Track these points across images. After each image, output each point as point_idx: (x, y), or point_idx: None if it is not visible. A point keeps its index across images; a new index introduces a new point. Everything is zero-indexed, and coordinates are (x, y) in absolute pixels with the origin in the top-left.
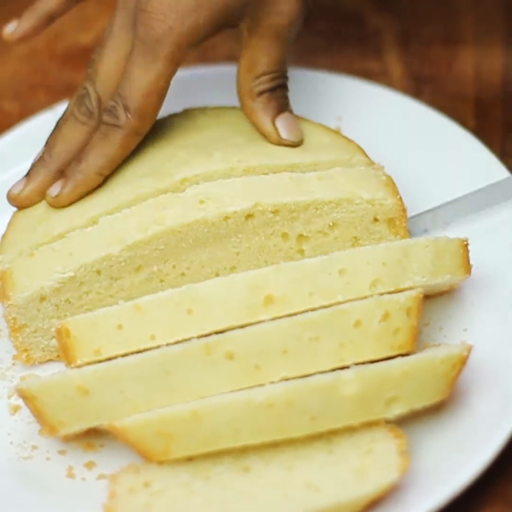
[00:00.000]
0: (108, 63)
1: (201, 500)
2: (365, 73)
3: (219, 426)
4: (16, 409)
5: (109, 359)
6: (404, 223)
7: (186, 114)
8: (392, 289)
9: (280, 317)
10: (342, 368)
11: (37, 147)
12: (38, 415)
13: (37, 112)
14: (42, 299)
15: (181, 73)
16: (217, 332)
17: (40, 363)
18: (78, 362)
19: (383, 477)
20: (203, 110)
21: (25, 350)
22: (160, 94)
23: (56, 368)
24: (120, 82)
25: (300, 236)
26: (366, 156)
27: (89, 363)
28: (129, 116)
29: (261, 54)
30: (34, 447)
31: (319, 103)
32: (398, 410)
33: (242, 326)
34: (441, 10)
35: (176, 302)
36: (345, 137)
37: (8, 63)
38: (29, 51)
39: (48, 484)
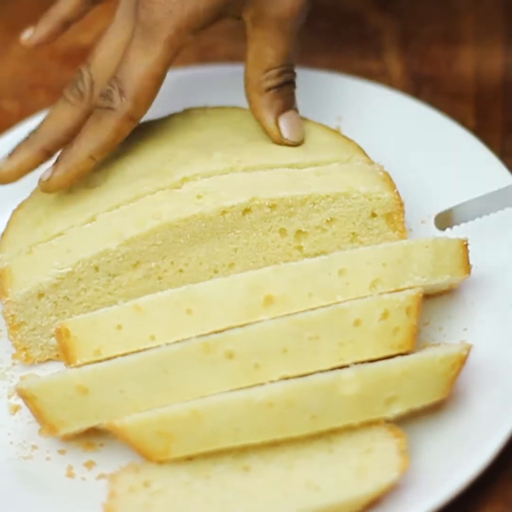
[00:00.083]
0: (107, 49)
1: (201, 499)
2: (365, 73)
3: (219, 425)
4: (16, 409)
5: (109, 359)
6: (402, 218)
7: (186, 114)
8: (392, 289)
9: (280, 317)
10: (342, 367)
11: None
12: (38, 414)
13: (37, 112)
14: (40, 295)
15: (181, 73)
16: (217, 332)
17: (40, 362)
18: (78, 362)
19: (383, 476)
20: (203, 110)
21: (24, 348)
22: (157, 79)
23: (55, 368)
24: (118, 67)
25: (298, 232)
26: (366, 155)
27: (89, 363)
28: (123, 99)
29: (267, 46)
30: (34, 447)
31: (319, 103)
32: (397, 409)
33: (242, 326)
34: (441, 10)
35: (175, 302)
36: (345, 137)
37: (8, 63)
38: (29, 51)
39: (48, 484)
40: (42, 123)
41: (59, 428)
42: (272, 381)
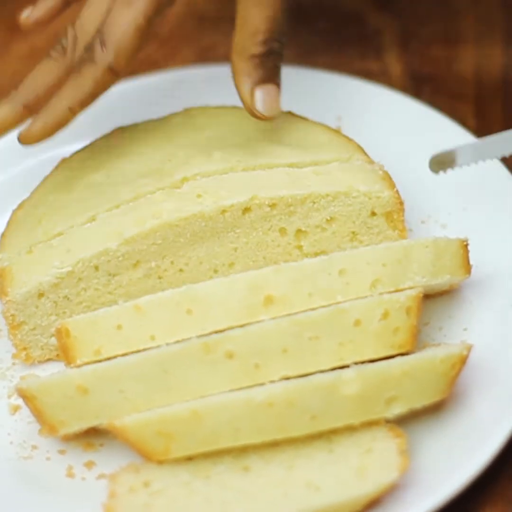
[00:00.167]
0: (94, 8)
1: (201, 499)
2: (365, 73)
3: (219, 425)
4: (16, 409)
5: (109, 359)
6: (401, 217)
7: (186, 114)
8: (392, 289)
9: (280, 317)
10: (342, 367)
11: (37, 147)
12: (38, 414)
13: None
14: (40, 295)
15: (181, 73)
16: (217, 332)
17: (40, 362)
18: (78, 362)
19: (383, 476)
20: (203, 110)
21: (24, 348)
22: (139, 30)
23: (55, 368)
24: (101, 22)
25: (298, 231)
26: (366, 155)
27: (89, 363)
28: (105, 50)
29: (255, 8)
30: (34, 447)
31: (319, 103)
32: (398, 409)
33: (242, 326)
34: (441, 10)
35: (176, 302)
36: (345, 136)
37: (8, 63)
38: (29, 51)
39: (48, 484)
40: (24, 80)
41: (59, 428)
42: (272, 381)
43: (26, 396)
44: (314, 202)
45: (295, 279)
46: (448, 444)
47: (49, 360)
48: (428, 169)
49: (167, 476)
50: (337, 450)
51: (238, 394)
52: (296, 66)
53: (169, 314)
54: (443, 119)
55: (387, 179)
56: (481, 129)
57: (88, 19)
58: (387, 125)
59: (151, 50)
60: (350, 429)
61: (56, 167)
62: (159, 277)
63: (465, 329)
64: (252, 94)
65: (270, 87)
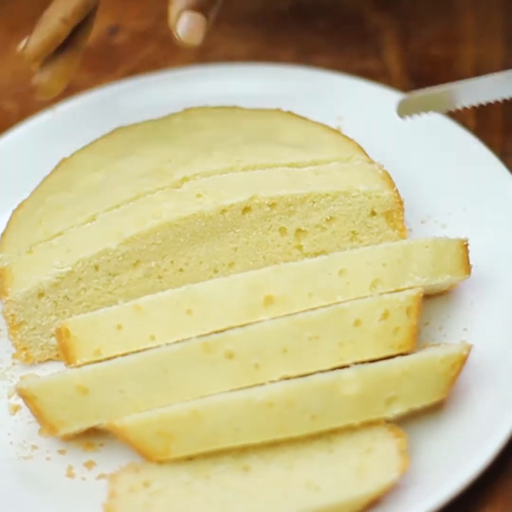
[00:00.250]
0: None
1: (201, 499)
2: (365, 73)
3: (219, 425)
4: (16, 409)
5: (109, 359)
6: (401, 216)
7: (186, 114)
8: (392, 289)
9: (280, 317)
10: (342, 367)
11: (37, 147)
12: (38, 414)
13: (37, 112)
14: (40, 295)
15: (181, 73)
16: (217, 332)
17: (40, 362)
18: (78, 362)
19: (383, 476)
20: (203, 110)
21: (24, 348)
22: None
23: (55, 368)
24: None
25: (298, 230)
26: (366, 155)
27: (89, 363)
28: None
29: None
30: (34, 447)
31: (319, 102)
32: (398, 409)
33: (242, 326)
34: (441, 10)
35: (176, 302)
36: (345, 136)
37: (8, 63)
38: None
39: (48, 484)
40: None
41: (59, 428)
42: (272, 381)
43: (26, 396)
44: (314, 202)
45: (295, 279)
46: (448, 444)
47: (49, 360)
48: (428, 169)
49: (167, 476)
50: (337, 450)
51: (238, 394)
52: (296, 66)
53: (169, 314)
54: (443, 119)
55: (387, 178)
56: (481, 129)
57: None
58: (387, 125)
59: (151, 50)
60: (350, 429)
61: (56, 167)
62: (159, 277)
63: (465, 329)
64: (178, 17)
65: (198, 16)
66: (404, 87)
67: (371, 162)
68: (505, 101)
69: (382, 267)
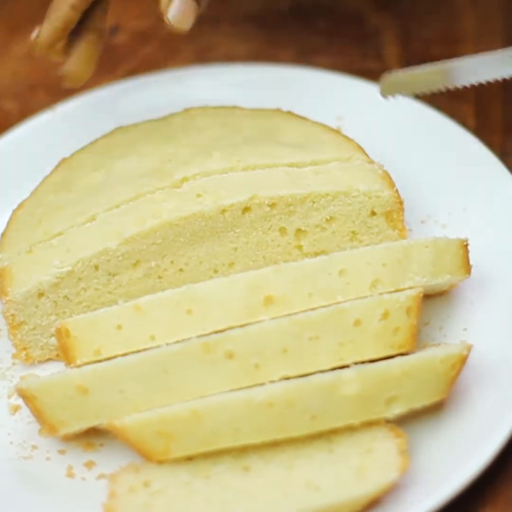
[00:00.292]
0: None
1: (201, 499)
2: (365, 73)
3: (219, 425)
4: (16, 409)
5: (109, 359)
6: (401, 216)
7: (186, 114)
8: (392, 289)
9: (280, 317)
10: (342, 367)
11: (37, 147)
12: (38, 414)
13: (37, 112)
14: (40, 295)
15: (181, 73)
16: (217, 332)
17: (40, 362)
18: (78, 362)
19: (383, 476)
20: (203, 110)
21: (24, 348)
22: None
23: (55, 368)
24: None
25: (298, 230)
26: (366, 155)
27: (89, 363)
28: None
29: None
30: (34, 447)
31: (319, 102)
32: (398, 409)
33: (242, 326)
34: (441, 10)
35: (176, 302)
36: (345, 136)
37: (8, 63)
38: (29, 51)
39: (48, 484)
40: None
41: (59, 428)
42: (272, 381)
43: (26, 396)
44: (314, 202)
45: (295, 279)
46: (448, 444)
47: (49, 360)
48: (428, 169)
49: (167, 476)
50: (337, 450)
51: (238, 394)
52: (296, 66)
53: (169, 314)
54: (443, 119)
55: (387, 178)
56: (481, 129)
57: None
58: (387, 125)
59: (151, 50)
60: (350, 429)
61: (56, 167)
62: (159, 277)
63: (465, 329)
64: (170, 1)
65: (190, 1)
66: None
67: (371, 162)
68: (505, 101)
69: (382, 267)
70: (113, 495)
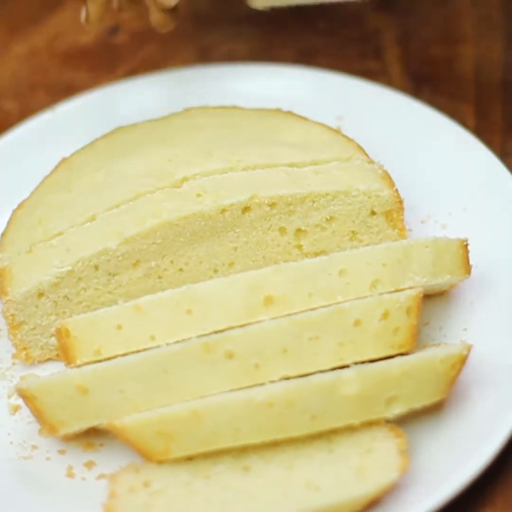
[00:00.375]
0: None
1: (201, 499)
2: (365, 73)
3: (219, 425)
4: (16, 409)
5: (109, 359)
6: (401, 216)
7: (186, 114)
8: (392, 289)
9: (280, 317)
10: (342, 367)
11: (37, 147)
12: (38, 414)
13: (37, 112)
14: (40, 294)
15: (181, 73)
16: (217, 332)
17: (40, 362)
18: (78, 362)
19: (383, 476)
20: (203, 110)
21: (24, 348)
22: None
23: (55, 368)
24: None
25: (298, 230)
26: (366, 155)
27: (89, 363)
28: None
29: None
30: (34, 447)
31: (319, 102)
32: (398, 409)
33: (242, 326)
34: (441, 10)
35: (176, 302)
36: (345, 136)
37: (8, 63)
38: (29, 51)
39: (48, 484)
40: None
41: (59, 428)
42: (272, 381)
43: (26, 396)
44: (313, 201)
45: (295, 279)
46: (448, 444)
47: (49, 360)
48: (428, 169)
49: (167, 476)
50: (337, 450)
51: (238, 394)
52: (296, 66)
53: (169, 314)
54: (443, 119)
55: (387, 178)
56: (481, 129)
57: None
58: (387, 125)
59: (151, 50)
60: (350, 429)
61: (56, 167)
62: (159, 277)
63: (465, 329)
64: None
65: None
66: (404, 87)
67: (371, 162)
68: (505, 101)
69: (382, 267)
70: (113, 495)
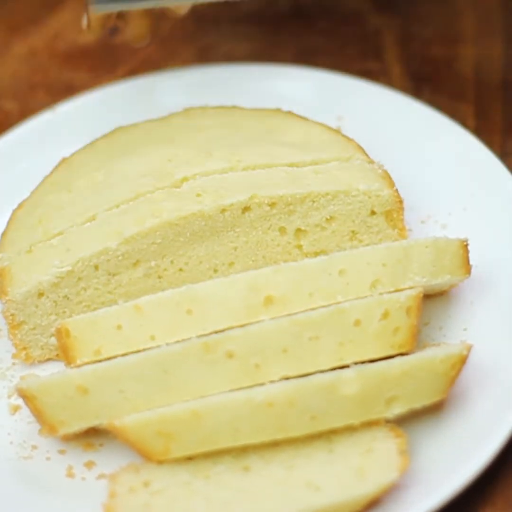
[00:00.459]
0: None
1: (201, 499)
2: (365, 73)
3: (219, 425)
4: (16, 409)
5: (109, 359)
6: (401, 216)
7: (186, 114)
8: (392, 289)
9: (280, 317)
10: (342, 367)
11: (37, 147)
12: (38, 414)
13: (37, 112)
14: (40, 294)
15: (181, 73)
16: (217, 332)
17: (40, 362)
18: (78, 362)
19: (383, 476)
20: (203, 110)
21: (24, 348)
22: None
23: (55, 368)
24: None
25: (298, 230)
26: (366, 155)
27: (89, 363)
28: None
29: None
30: (34, 447)
31: (320, 102)
32: (398, 409)
33: (242, 326)
34: (441, 10)
35: (176, 302)
36: (345, 136)
37: (8, 63)
38: (29, 51)
39: (48, 484)
40: None
41: (59, 428)
42: (272, 381)
43: (26, 396)
44: (313, 201)
45: (295, 279)
46: (448, 444)
47: (49, 360)
48: (427, 169)
49: (167, 476)
50: (337, 450)
51: (238, 394)
52: (296, 66)
53: (169, 314)
54: (443, 119)
55: (387, 178)
56: (481, 129)
57: None
58: (387, 125)
59: (151, 50)
60: (350, 429)
61: (56, 167)
62: (159, 277)
63: (465, 329)
64: None
65: None
66: (404, 87)
67: (371, 162)
68: (505, 101)
69: (382, 267)
70: (113, 495)
